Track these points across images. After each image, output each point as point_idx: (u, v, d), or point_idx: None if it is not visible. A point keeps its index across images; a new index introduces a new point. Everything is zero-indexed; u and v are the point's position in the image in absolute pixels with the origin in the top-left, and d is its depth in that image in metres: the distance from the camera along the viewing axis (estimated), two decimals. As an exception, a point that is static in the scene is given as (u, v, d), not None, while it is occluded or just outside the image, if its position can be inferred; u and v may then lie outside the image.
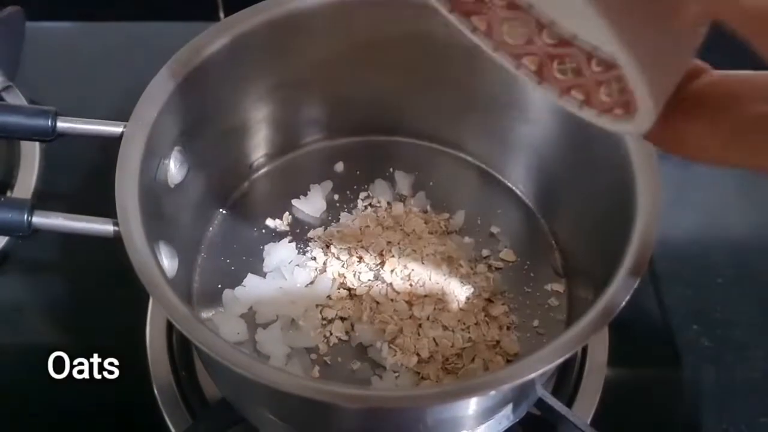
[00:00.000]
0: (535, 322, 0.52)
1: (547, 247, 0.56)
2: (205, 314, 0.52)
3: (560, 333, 0.41)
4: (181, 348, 0.54)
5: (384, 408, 0.40)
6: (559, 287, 0.53)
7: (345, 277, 0.53)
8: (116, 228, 0.42)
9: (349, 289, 0.53)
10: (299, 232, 0.56)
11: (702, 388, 0.55)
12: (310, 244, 0.55)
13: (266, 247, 0.55)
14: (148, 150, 0.44)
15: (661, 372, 0.56)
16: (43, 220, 0.43)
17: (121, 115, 0.45)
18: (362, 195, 0.58)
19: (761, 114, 0.26)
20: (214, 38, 0.48)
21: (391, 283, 0.52)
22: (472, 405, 0.44)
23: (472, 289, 0.52)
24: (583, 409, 0.51)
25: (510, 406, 0.47)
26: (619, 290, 0.40)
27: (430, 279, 0.52)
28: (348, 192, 0.58)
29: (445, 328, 0.51)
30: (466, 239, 0.56)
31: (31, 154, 0.62)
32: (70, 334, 0.55)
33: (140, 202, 0.42)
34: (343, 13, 0.51)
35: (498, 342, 0.51)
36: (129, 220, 0.41)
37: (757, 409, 0.54)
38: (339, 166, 0.59)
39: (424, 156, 0.60)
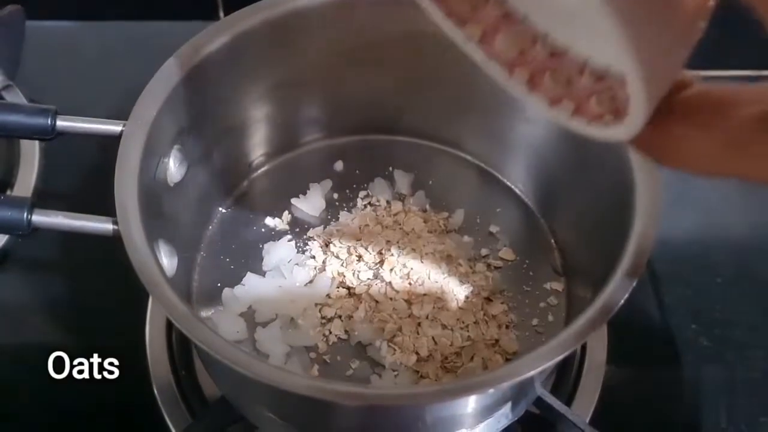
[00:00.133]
0: (534, 321, 0.52)
1: (546, 246, 0.56)
2: (205, 313, 0.52)
3: (559, 331, 0.41)
4: (180, 347, 0.54)
5: (383, 406, 0.40)
6: (558, 286, 0.54)
7: (344, 276, 0.53)
8: (116, 227, 0.42)
9: (349, 288, 0.53)
10: (299, 231, 0.56)
11: (702, 388, 0.55)
12: (309, 242, 0.55)
13: (266, 245, 0.55)
14: (148, 149, 0.44)
15: (661, 371, 0.56)
16: (42, 218, 0.43)
17: (121, 114, 0.45)
18: (362, 194, 0.58)
19: (757, 113, 0.26)
20: (214, 37, 0.48)
21: (390, 282, 0.52)
22: (471, 403, 0.44)
23: (471, 288, 0.52)
24: (582, 408, 0.52)
25: (509, 405, 0.47)
26: (618, 289, 0.40)
27: (429, 278, 0.52)
28: (347, 191, 0.58)
29: (444, 326, 0.51)
30: (466, 238, 0.56)
31: (31, 152, 0.62)
32: (70, 334, 0.55)
33: (140, 200, 0.42)
34: (342, 12, 0.51)
35: (497, 340, 0.51)
36: (128, 218, 0.41)
37: (757, 409, 0.54)
38: (338, 165, 0.59)
39: (423, 155, 0.60)
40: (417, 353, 0.49)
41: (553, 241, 0.56)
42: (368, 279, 0.53)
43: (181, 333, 0.47)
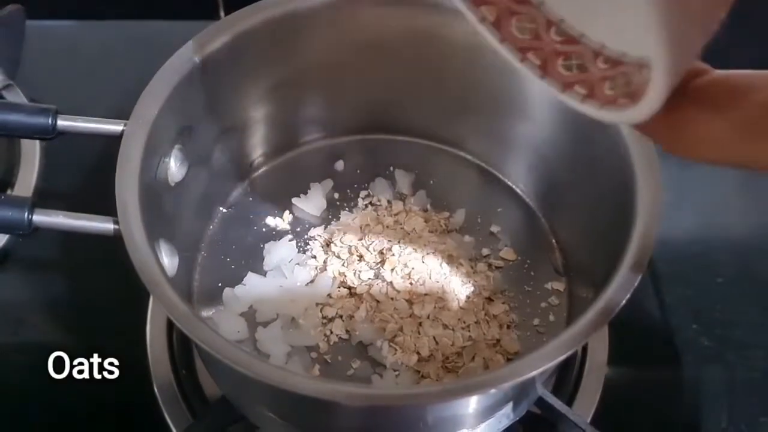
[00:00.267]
0: (536, 321, 0.52)
1: (547, 245, 0.56)
2: (206, 313, 0.52)
3: (560, 332, 0.41)
4: (181, 347, 0.54)
5: (384, 406, 0.40)
6: (559, 286, 0.53)
7: (345, 276, 0.53)
8: (116, 226, 0.42)
9: (350, 288, 0.53)
10: (299, 231, 0.56)
11: (702, 388, 0.55)
12: (310, 242, 0.55)
13: (266, 245, 0.55)
14: (149, 148, 0.44)
15: (661, 371, 0.57)
16: (43, 218, 0.43)
17: (122, 113, 0.45)
18: (362, 193, 0.58)
19: None
20: (215, 37, 0.48)
21: (391, 282, 0.52)
22: (472, 403, 0.44)
23: (472, 288, 0.52)
24: (583, 408, 0.52)
25: (510, 405, 0.47)
26: (619, 289, 0.40)
27: (430, 278, 0.52)
28: (348, 190, 0.58)
29: (445, 326, 0.51)
30: (467, 238, 0.56)
31: (32, 152, 0.62)
32: (70, 333, 0.55)
33: (140, 200, 0.42)
34: (343, 12, 0.51)
35: (498, 340, 0.51)
36: (129, 218, 0.41)
37: (757, 409, 0.54)
38: (339, 165, 0.59)
39: (424, 154, 0.60)
40: (418, 353, 0.49)
41: (554, 240, 0.56)
42: (369, 279, 0.53)
43: (181, 333, 0.47)
